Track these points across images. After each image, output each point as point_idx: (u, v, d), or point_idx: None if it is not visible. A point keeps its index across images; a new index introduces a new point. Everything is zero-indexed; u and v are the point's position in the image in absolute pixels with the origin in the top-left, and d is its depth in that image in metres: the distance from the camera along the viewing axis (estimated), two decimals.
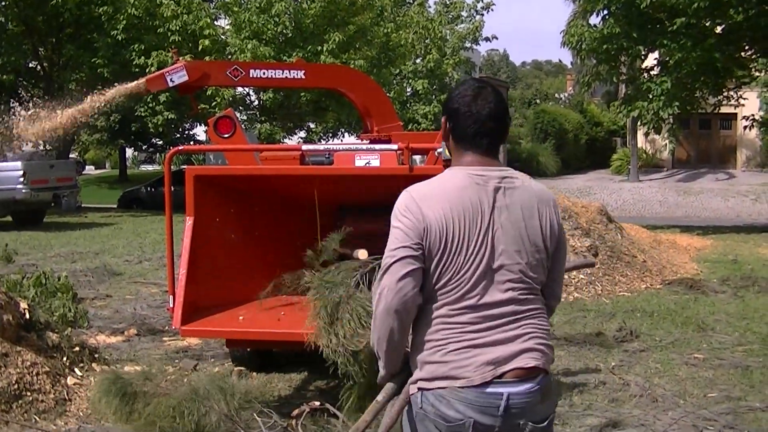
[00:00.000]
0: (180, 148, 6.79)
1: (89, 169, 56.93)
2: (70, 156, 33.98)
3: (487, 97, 2.87)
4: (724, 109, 23.67)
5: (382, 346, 2.88)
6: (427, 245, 2.75)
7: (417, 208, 2.76)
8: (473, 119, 2.85)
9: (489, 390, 2.72)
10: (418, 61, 34.69)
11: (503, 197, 2.81)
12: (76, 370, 6.60)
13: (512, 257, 2.80)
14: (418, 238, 2.75)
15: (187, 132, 42.26)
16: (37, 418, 5.82)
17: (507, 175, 2.86)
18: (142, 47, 26.61)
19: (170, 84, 7.20)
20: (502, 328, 2.79)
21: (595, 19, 21.91)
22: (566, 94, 65.98)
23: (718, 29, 19.74)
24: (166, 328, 8.84)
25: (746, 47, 20.51)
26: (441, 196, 2.79)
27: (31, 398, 5.93)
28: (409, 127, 29.91)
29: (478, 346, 2.75)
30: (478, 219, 2.77)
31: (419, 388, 2.81)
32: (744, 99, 22.19)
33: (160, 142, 44.10)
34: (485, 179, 2.82)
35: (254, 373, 7.21)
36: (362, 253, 6.24)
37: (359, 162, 6.73)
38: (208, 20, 26.41)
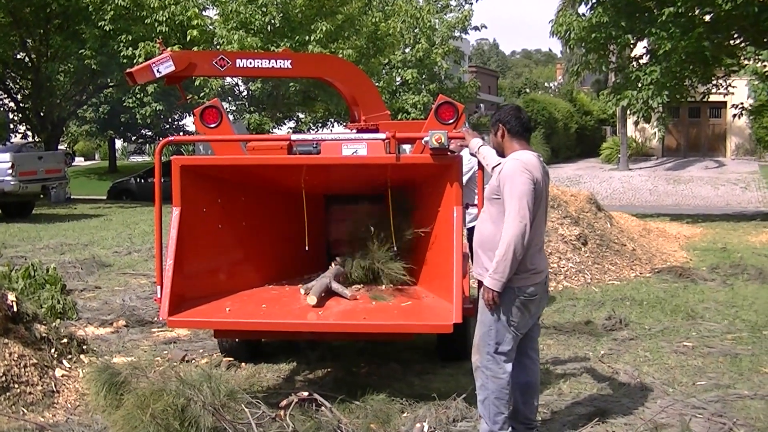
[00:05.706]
0: (171, 138, 6.72)
1: (79, 161, 56.70)
2: (59, 147, 33.79)
3: (522, 111, 5.15)
4: (713, 98, 23.64)
5: (511, 255, 4.69)
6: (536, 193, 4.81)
7: (529, 171, 4.81)
8: (520, 123, 5.05)
9: (544, 281, 5.03)
10: (407, 50, 34.55)
11: (543, 167, 4.98)
12: (65, 361, 6.57)
13: (546, 203, 5.11)
14: (534, 184, 4.78)
15: (176, 123, 42.14)
16: (25, 410, 5.79)
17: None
18: (130, 38, 26.41)
19: (157, 75, 7.12)
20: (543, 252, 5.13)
21: (583, 8, 21.92)
22: (556, 83, 66.02)
23: (707, 18, 19.74)
24: (155, 319, 8.82)
25: (735, 36, 20.52)
26: (534, 165, 4.87)
27: (18, 390, 5.90)
28: (399, 117, 29.82)
29: (542, 262, 5.05)
30: (545, 179, 4.97)
31: (517, 286, 4.86)
32: (733, 87, 22.19)
33: (150, 133, 43.98)
34: (540, 157, 5.01)
35: (243, 364, 7.21)
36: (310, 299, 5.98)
37: (346, 151, 6.69)
38: (196, 11, 26.21)
